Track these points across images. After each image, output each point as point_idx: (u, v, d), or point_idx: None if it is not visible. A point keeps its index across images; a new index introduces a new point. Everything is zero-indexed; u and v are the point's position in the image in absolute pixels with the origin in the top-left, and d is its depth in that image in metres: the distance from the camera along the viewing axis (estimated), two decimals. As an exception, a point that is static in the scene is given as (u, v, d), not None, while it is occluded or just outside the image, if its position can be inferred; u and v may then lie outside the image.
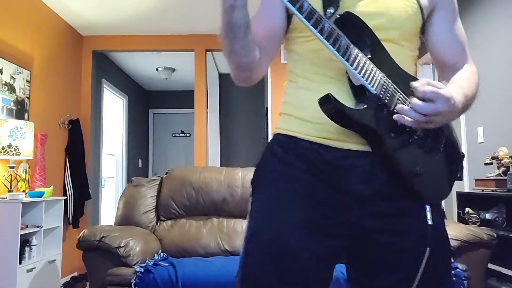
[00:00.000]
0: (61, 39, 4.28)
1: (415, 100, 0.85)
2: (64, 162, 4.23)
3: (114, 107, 6.12)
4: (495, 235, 2.52)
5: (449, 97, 0.84)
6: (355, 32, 0.91)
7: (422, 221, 0.92)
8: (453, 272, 2.40)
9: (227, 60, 0.97)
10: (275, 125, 1.06)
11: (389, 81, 0.91)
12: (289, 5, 0.84)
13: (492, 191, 2.72)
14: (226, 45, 0.92)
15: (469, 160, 3.57)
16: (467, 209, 2.96)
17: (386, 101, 0.90)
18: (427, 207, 0.92)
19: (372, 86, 0.89)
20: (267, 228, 0.92)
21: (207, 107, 5.27)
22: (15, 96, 3.39)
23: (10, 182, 3.06)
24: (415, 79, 0.93)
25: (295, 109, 0.99)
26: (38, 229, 3.13)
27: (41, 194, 3.21)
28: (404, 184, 0.92)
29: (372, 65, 0.90)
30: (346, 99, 0.90)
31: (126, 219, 3.09)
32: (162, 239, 3.02)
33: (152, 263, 2.60)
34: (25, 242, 3.04)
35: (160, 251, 2.90)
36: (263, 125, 5.81)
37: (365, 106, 0.89)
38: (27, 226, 3.05)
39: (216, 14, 0.90)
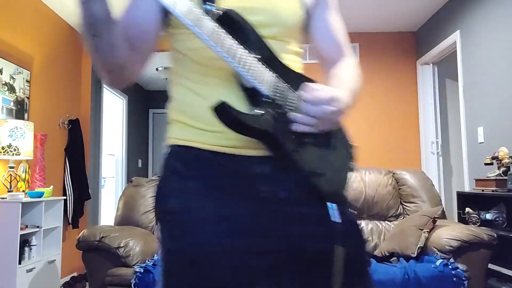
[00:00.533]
0: (61, 39, 4.28)
1: (304, 106, 0.85)
2: (64, 162, 4.23)
3: (114, 107, 6.11)
4: (495, 235, 2.52)
5: (335, 97, 0.85)
6: (238, 30, 0.84)
7: (331, 220, 0.88)
8: (453, 272, 2.40)
9: (92, 60, 0.86)
10: (168, 134, 0.96)
11: (281, 81, 0.87)
12: (164, 3, 0.77)
13: (493, 191, 2.73)
14: (88, 43, 0.82)
15: (469, 160, 3.57)
16: (467, 209, 2.96)
17: (280, 102, 0.86)
18: (332, 205, 0.89)
19: (263, 87, 0.85)
20: (184, 253, 0.83)
21: (207, 107, 5.27)
22: (15, 96, 3.39)
23: (10, 182, 3.06)
24: (305, 77, 0.92)
25: (188, 116, 0.92)
26: (37, 229, 3.13)
27: (40, 194, 3.21)
28: (309, 185, 0.89)
29: (260, 65, 0.85)
30: (240, 104, 0.85)
31: (126, 219, 3.08)
32: (162, 239, 3.01)
33: (152, 263, 2.59)
34: (24, 242, 3.03)
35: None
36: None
37: (261, 111, 0.85)
38: (26, 226, 3.05)
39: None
